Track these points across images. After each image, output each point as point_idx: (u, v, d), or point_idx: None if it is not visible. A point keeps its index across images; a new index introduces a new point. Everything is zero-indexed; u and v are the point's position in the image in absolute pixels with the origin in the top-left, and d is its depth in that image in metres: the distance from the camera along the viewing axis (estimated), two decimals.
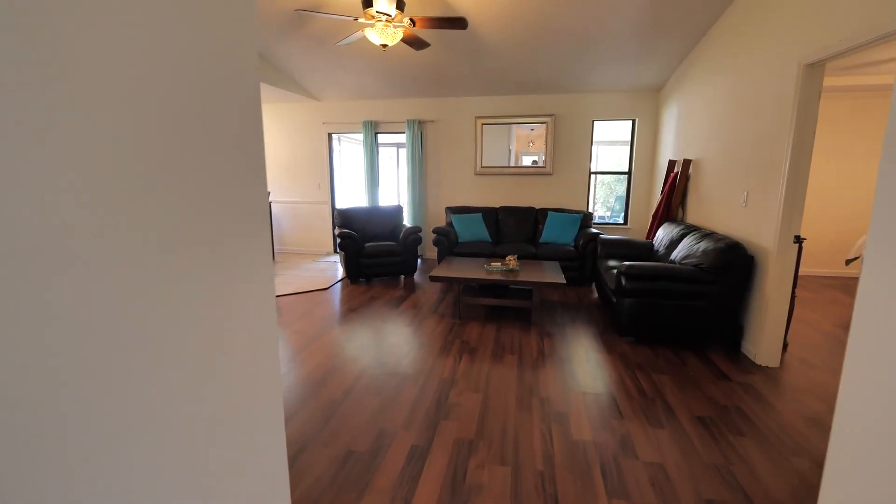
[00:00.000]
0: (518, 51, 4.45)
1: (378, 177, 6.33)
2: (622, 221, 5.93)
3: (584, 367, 2.91)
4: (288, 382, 2.68)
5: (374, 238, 5.50)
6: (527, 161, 5.88)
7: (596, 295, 4.65)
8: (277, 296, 4.51)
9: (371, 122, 6.11)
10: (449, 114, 6.00)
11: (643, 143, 5.57)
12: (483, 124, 5.87)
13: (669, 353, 3.12)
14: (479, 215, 5.53)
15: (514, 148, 5.87)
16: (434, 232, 5.20)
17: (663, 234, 4.15)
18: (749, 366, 2.93)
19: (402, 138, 6.37)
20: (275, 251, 6.64)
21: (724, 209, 3.55)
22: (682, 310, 3.12)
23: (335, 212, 5.47)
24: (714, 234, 3.35)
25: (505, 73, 5.02)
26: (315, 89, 5.83)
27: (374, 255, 5.03)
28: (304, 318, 3.85)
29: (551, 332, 3.54)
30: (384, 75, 5.22)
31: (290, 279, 5.20)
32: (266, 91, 5.43)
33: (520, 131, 5.81)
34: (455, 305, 3.87)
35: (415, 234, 5.20)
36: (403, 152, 6.43)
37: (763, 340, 2.92)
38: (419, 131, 6.00)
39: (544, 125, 5.71)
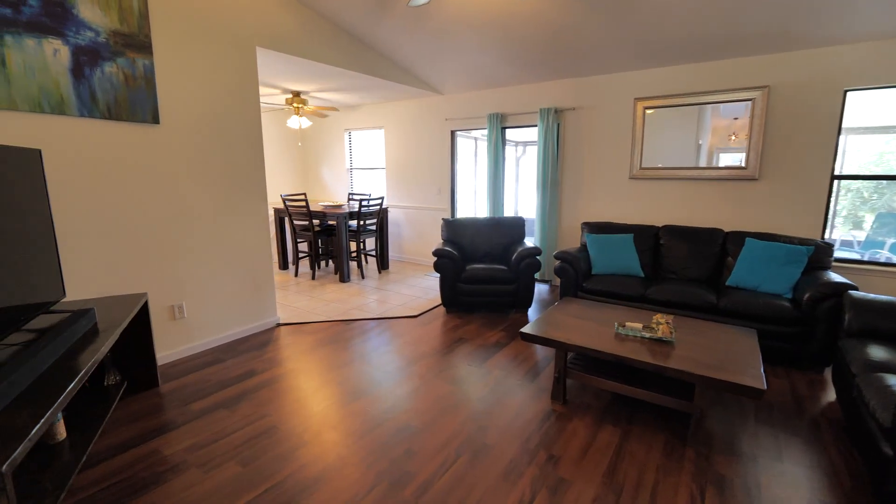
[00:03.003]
0: None
1: (502, 181, 5.21)
2: None
3: None
4: (270, 486, 1.85)
5: (483, 258, 4.42)
6: (729, 160, 3.91)
7: (833, 397, 2.64)
8: (353, 320, 3.84)
9: (497, 114, 5.02)
10: (595, 98, 4.49)
11: None
12: (646, 108, 4.19)
13: None
14: (629, 237, 3.91)
15: (706, 142, 4.00)
16: (557, 258, 3.83)
17: None
18: None
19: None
20: (390, 259, 6.15)
21: None
22: None
23: (442, 222, 4.59)
24: None
25: (679, 28, 3.32)
26: (434, 80, 5.04)
27: (475, 280, 3.95)
28: (358, 362, 3.04)
29: (726, 475, 1.91)
30: (502, 53, 4.07)
31: (386, 297, 4.53)
32: (384, 89, 4.87)
33: (716, 121, 3.91)
34: (558, 383, 2.51)
35: (531, 258, 3.93)
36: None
37: None
38: (554, 123, 4.65)
39: (749, 104, 3.73)
